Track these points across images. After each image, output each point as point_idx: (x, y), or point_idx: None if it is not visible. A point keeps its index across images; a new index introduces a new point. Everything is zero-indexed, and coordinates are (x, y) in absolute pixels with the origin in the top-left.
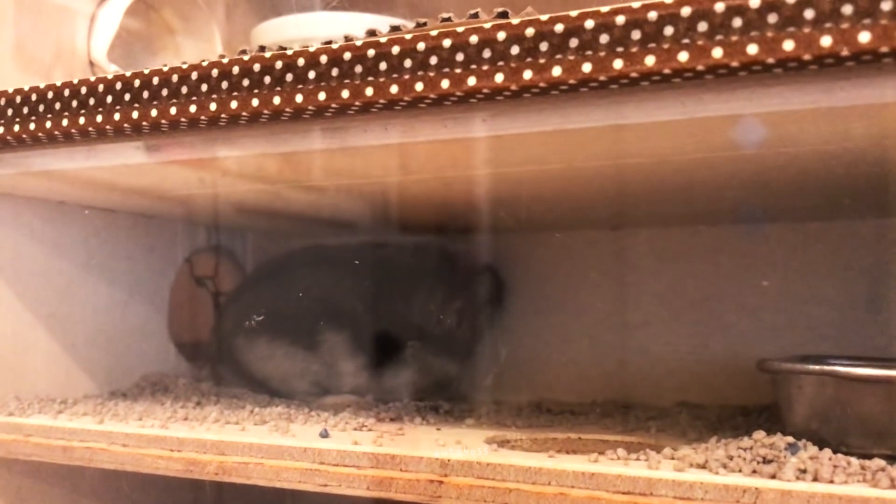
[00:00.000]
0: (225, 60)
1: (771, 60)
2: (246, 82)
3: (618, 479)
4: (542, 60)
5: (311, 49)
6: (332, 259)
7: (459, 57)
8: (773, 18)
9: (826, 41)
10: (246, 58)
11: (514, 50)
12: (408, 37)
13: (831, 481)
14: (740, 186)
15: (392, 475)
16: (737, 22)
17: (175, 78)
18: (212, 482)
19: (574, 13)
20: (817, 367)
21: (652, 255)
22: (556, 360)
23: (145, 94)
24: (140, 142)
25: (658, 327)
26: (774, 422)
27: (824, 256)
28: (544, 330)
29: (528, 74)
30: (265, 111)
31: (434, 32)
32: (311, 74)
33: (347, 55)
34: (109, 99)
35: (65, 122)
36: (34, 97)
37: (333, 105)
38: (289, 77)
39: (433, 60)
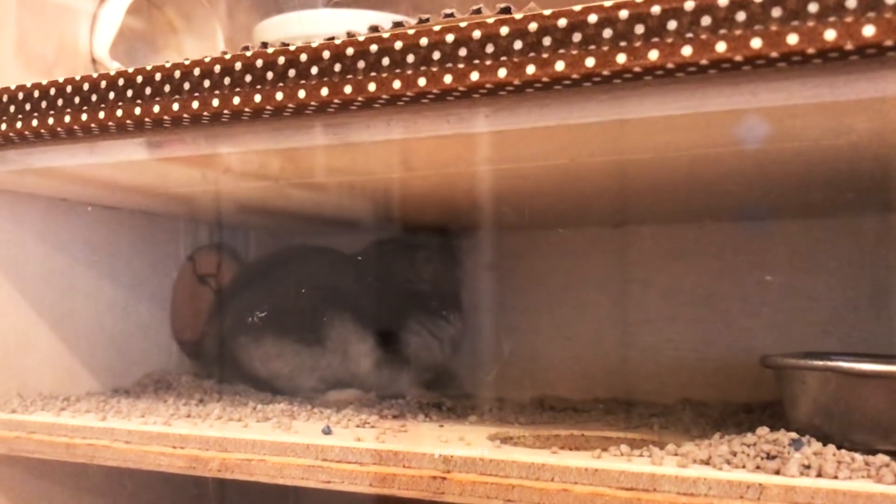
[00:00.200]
0: (228, 56)
1: (775, 54)
2: (248, 78)
3: (621, 475)
4: (545, 55)
5: (314, 45)
6: (317, 255)
7: (462, 52)
8: (776, 12)
9: (830, 35)
10: (248, 54)
11: (517, 45)
12: (410, 32)
13: (835, 477)
14: (743, 182)
15: (395, 472)
16: (740, 16)
17: (177, 74)
18: (214, 479)
19: (577, 8)
20: (821, 363)
21: (655, 252)
22: (559, 357)
23: (147, 91)
24: (142, 138)
25: (661, 324)
26: (778, 418)
27: (828, 253)
28: (547, 327)
29: (531, 69)
30: (268, 107)
31: (437, 28)
32: (314, 70)
33: (350, 50)
34: (112, 95)
35: (67, 119)
36: (37, 94)
37: (336, 100)
38: (291, 72)
39: (436, 55)
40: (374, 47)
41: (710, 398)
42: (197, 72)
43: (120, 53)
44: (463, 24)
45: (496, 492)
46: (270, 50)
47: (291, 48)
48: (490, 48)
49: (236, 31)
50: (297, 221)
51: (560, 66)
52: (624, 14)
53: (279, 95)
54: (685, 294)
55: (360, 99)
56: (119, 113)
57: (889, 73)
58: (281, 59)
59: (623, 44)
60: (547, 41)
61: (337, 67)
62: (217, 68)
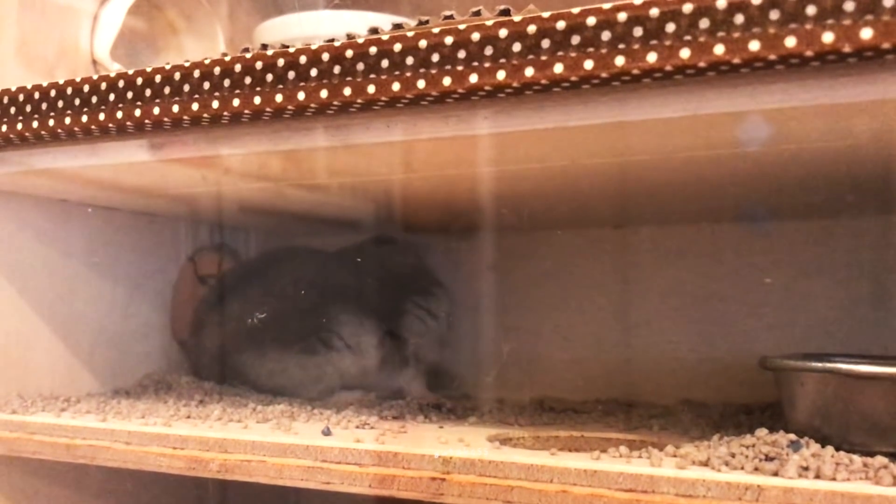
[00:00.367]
0: (227, 58)
1: (773, 57)
2: (248, 80)
3: (620, 476)
4: (543, 57)
5: (313, 47)
6: (302, 256)
7: (461, 54)
8: (774, 15)
9: (828, 37)
10: (248, 56)
11: (516, 47)
12: (410, 34)
13: (833, 479)
14: (743, 184)
15: (394, 473)
16: (738, 18)
17: (178, 76)
18: (214, 480)
19: (576, 10)
20: (819, 365)
21: (654, 253)
22: (559, 358)
23: (148, 92)
24: (143, 140)
25: (660, 325)
26: (777, 420)
27: (827, 254)
28: (547, 328)
29: (529, 71)
30: (267, 109)
31: (436, 30)
32: (314, 72)
33: (350, 53)
34: (112, 97)
35: (68, 121)
36: (37, 95)
37: (336, 102)
38: (291, 75)
39: (435, 58)
40: (373, 49)
41: (709, 399)
42: (197, 74)
43: (121, 54)
44: (462, 27)
45: (495, 493)
46: (270, 52)
47: (291, 50)
48: (489, 50)
49: (237, 33)
50: (298, 222)
51: (559, 68)
52: (622, 17)
53: (279, 97)
54: (685, 295)
55: (359, 101)
56: (119, 114)
57: (887, 75)
58: (280, 61)
59: (622, 46)
60: (546, 43)
61: (336, 69)
62: (217, 70)
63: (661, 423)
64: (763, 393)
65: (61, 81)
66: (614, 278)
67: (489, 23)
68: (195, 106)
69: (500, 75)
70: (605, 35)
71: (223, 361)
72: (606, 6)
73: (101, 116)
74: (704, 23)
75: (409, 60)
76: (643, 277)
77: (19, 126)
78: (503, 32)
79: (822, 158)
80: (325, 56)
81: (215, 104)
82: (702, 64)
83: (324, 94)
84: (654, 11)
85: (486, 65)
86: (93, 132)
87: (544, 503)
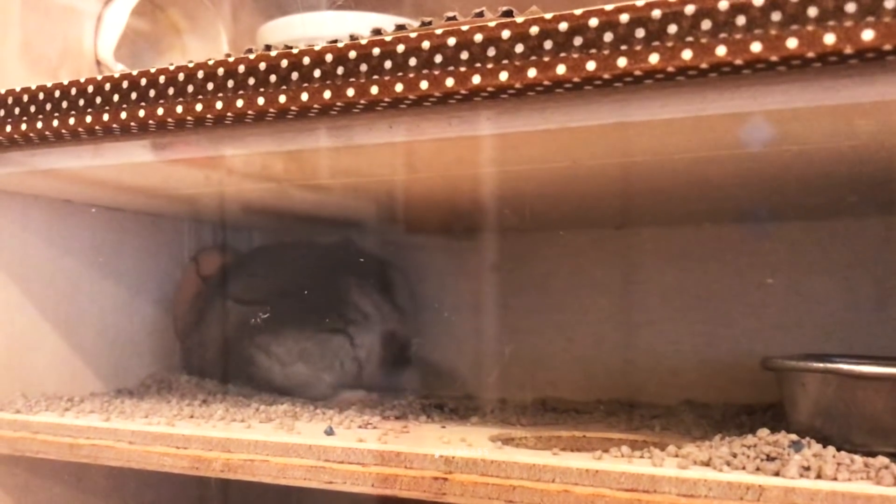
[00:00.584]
0: (231, 59)
1: (774, 58)
2: (252, 81)
3: (622, 476)
4: (546, 59)
5: (317, 48)
6: (295, 247)
7: (464, 55)
8: (776, 16)
9: (829, 39)
10: (251, 56)
11: (519, 48)
12: (413, 35)
13: (835, 479)
14: (745, 185)
15: (397, 472)
16: (740, 20)
17: (181, 77)
18: (217, 479)
19: (578, 11)
20: (821, 365)
21: (656, 254)
22: (561, 359)
23: (152, 93)
24: (146, 140)
25: (662, 326)
26: (779, 420)
27: (829, 255)
28: (549, 328)
29: (532, 73)
30: (271, 110)
31: (439, 31)
32: (317, 73)
33: (353, 54)
34: (116, 97)
35: (72, 121)
36: (41, 96)
37: (339, 103)
38: (294, 76)
39: (438, 59)
40: (376, 50)
41: (711, 399)
42: (200, 74)
43: (124, 55)
44: (465, 28)
45: (497, 493)
46: (273, 53)
47: (294, 51)
48: (492, 51)
49: (240, 33)
50: (300, 223)
51: (561, 69)
52: (625, 18)
53: (282, 98)
54: (687, 296)
55: (362, 101)
56: (123, 115)
57: (889, 76)
58: (284, 62)
59: (624, 47)
60: (548, 45)
61: (340, 70)
62: (220, 71)
63: (663, 424)
64: (765, 393)
65: (65, 82)
66: (616, 279)
67: (492, 24)
68: (199, 106)
69: (503, 76)
70: (608, 36)
71: (224, 358)
72: (609, 7)
73: (105, 117)
74: (706, 24)
75: (412, 61)
76: (645, 278)
77: (23, 126)
78: (506, 33)
79: (823, 159)
80: (329, 57)
81: (219, 105)
82: (704, 65)
83: (327, 94)
84: (657, 13)
85: (489, 66)
86: (97, 133)
87: (546, 503)
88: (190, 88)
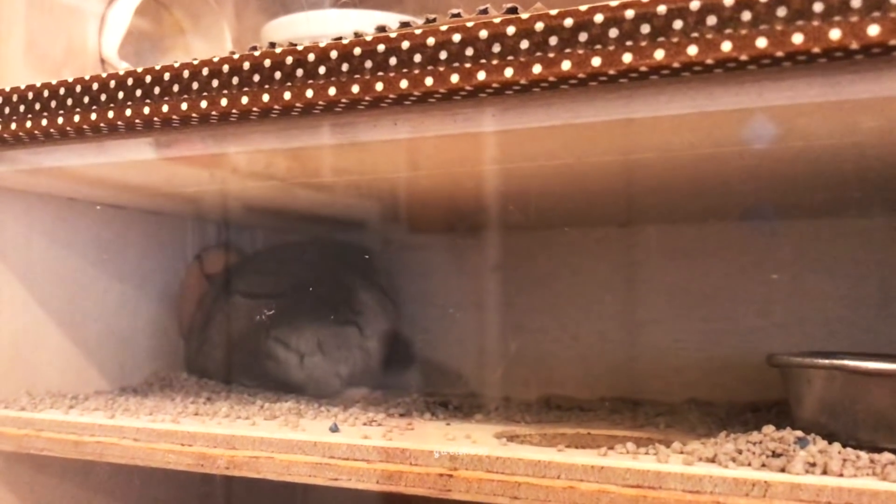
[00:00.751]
0: (236, 56)
1: (780, 54)
2: (256, 78)
3: (627, 472)
4: (551, 55)
5: (322, 44)
6: (308, 245)
7: (469, 52)
8: (782, 12)
9: (835, 34)
10: (256, 54)
11: (524, 44)
12: (417, 32)
13: (841, 475)
14: (749, 181)
15: (402, 469)
16: (746, 15)
17: (186, 74)
18: (222, 476)
19: (583, 7)
20: (826, 362)
21: (660, 252)
22: (565, 357)
23: (156, 90)
24: (151, 138)
25: (667, 324)
26: (784, 417)
27: (834, 252)
28: (553, 326)
29: (537, 69)
30: (275, 106)
31: (444, 27)
32: (322, 70)
33: (357, 50)
34: (120, 95)
35: (76, 119)
36: (46, 93)
37: (343, 100)
38: (299, 72)
39: (443, 55)
40: (381, 47)
41: (716, 397)
42: (206, 71)
43: (128, 54)
44: (470, 24)
45: (502, 489)
46: (279, 49)
47: (299, 48)
48: (497, 48)
49: (244, 32)
50: (305, 221)
51: (566, 65)
52: (630, 14)
53: (287, 95)
54: (691, 293)
55: (367, 98)
56: (128, 112)
57: (894, 72)
58: (289, 59)
59: (629, 43)
60: (553, 41)
61: (345, 67)
62: (225, 68)
63: (668, 421)
64: (769, 391)
65: (70, 79)
66: (620, 276)
67: (497, 20)
68: (204, 104)
69: (508, 72)
70: (613, 32)
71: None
72: (614, 3)
73: (111, 114)
74: (712, 20)
75: (417, 58)
76: (649, 276)
77: (28, 124)
78: (511, 30)
79: (829, 156)
80: (334, 54)
81: (224, 102)
82: (709, 61)
83: (332, 91)
84: (662, 8)
85: (494, 62)
86: (102, 130)
87: (551, 499)
88: (195, 85)
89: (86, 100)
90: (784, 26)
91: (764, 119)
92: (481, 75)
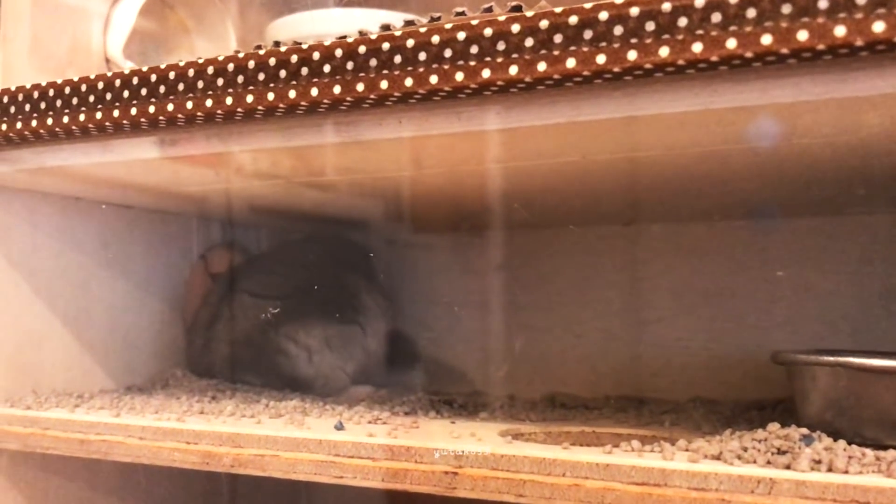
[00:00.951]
0: (241, 55)
1: (785, 51)
2: (262, 76)
3: (632, 470)
4: (556, 52)
5: (327, 43)
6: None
7: (474, 49)
8: (787, 9)
9: (840, 31)
10: (261, 52)
11: (529, 42)
12: (422, 30)
13: (846, 472)
14: (754, 179)
15: (407, 467)
16: (751, 12)
17: (191, 73)
18: (227, 474)
19: (588, 5)
20: (831, 359)
21: (665, 250)
22: (570, 355)
23: (161, 89)
24: (156, 136)
25: (671, 322)
26: (789, 415)
27: (839, 250)
28: (557, 325)
29: (542, 66)
30: (281, 105)
31: (448, 25)
32: (327, 68)
33: (362, 49)
34: (126, 94)
35: (81, 118)
36: (52, 92)
37: (348, 98)
38: (304, 71)
39: (448, 53)
40: (386, 45)
41: (721, 395)
42: (211, 70)
43: (133, 53)
44: (474, 22)
45: (507, 487)
46: (283, 48)
47: (304, 46)
48: (501, 46)
49: (248, 31)
50: (309, 219)
51: (571, 63)
52: (635, 11)
53: (292, 93)
54: (696, 291)
55: (372, 97)
56: (133, 111)
57: None
58: (294, 58)
59: (634, 41)
60: (558, 38)
61: (349, 65)
62: (230, 67)
63: (673, 419)
64: (774, 389)
65: (75, 78)
66: (625, 275)
67: (501, 18)
68: (209, 102)
69: (513, 70)
70: (618, 29)
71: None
72: (619, 1)
73: (116, 113)
74: (716, 17)
75: (422, 56)
76: (654, 274)
77: (34, 123)
78: (515, 27)
79: (834, 153)
80: (339, 52)
81: (229, 100)
82: (714, 58)
83: (337, 89)
84: (667, 6)
85: (499, 60)
86: (107, 129)
87: (557, 497)
88: (200, 84)
89: (91, 99)
90: (789, 23)
91: (768, 116)
92: (486, 73)
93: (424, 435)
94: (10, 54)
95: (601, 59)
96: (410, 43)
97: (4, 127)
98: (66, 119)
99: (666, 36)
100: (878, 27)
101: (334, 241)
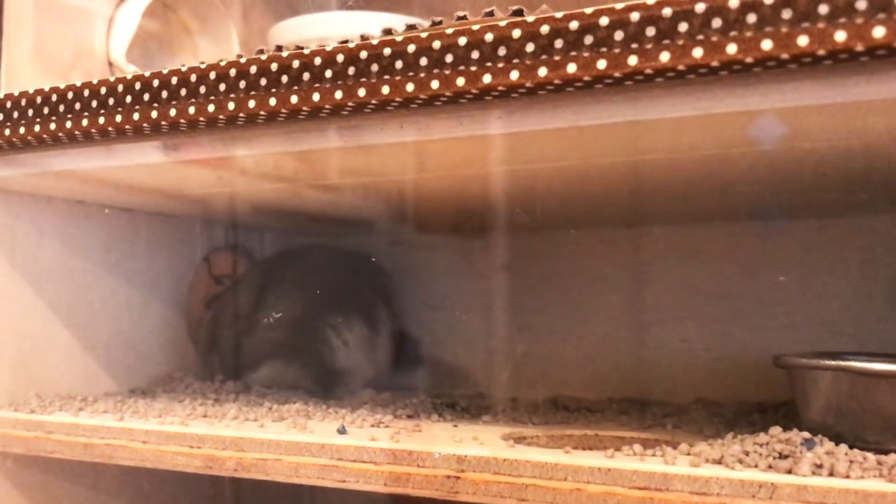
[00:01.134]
0: (243, 60)
1: (785, 56)
2: (263, 81)
3: (634, 474)
4: (557, 58)
5: (328, 48)
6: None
7: (475, 55)
8: (787, 14)
9: (840, 36)
10: (263, 57)
11: (530, 47)
12: (423, 35)
13: (847, 476)
14: (756, 182)
15: (409, 471)
16: (751, 18)
17: (193, 78)
18: (230, 478)
19: (589, 10)
20: (833, 363)
21: (667, 252)
22: (572, 357)
23: (164, 94)
24: (159, 141)
25: (674, 324)
26: (791, 418)
27: (841, 252)
28: (560, 327)
29: (543, 72)
30: (283, 110)
31: (449, 30)
32: (328, 73)
33: (364, 54)
34: (128, 99)
35: (84, 122)
36: (54, 97)
37: (350, 104)
38: (306, 76)
39: (449, 58)
40: (387, 50)
41: (723, 398)
42: (213, 75)
43: (136, 56)
44: (475, 27)
45: (509, 491)
46: (285, 53)
47: (306, 51)
48: (502, 51)
49: (251, 34)
50: (312, 222)
51: (572, 68)
52: (635, 16)
53: (294, 98)
54: (698, 294)
55: (373, 102)
56: (136, 116)
57: None
58: (296, 63)
59: (634, 46)
60: (559, 44)
61: (351, 70)
62: (233, 72)
63: (675, 422)
64: (777, 391)
65: (78, 83)
66: (627, 277)
67: (502, 23)
68: (211, 107)
69: (514, 75)
70: (618, 35)
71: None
72: (619, 6)
73: (118, 118)
74: (717, 22)
75: (423, 61)
76: (656, 276)
77: (37, 128)
78: (516, 33)
79: (835, 157)
80: (340, 57)
81: (231, 105)
82: (714, 63)
83: (338, 94)
84: (667, 11)
85: (500, 65)
86: (109, 134)
87: (558, 501)
88: (202, 89)
89: (94, 104)
90: (789, 28)
91: (769, 121)
92: (487, 78)
93: (427, 439)
94: (14, 58)
95: (602, 64)
96: (412, 48)
97: (8, 132)
98: (69, 124)
99: (666, 41)
100: (879, 32)
101: (349, 253)
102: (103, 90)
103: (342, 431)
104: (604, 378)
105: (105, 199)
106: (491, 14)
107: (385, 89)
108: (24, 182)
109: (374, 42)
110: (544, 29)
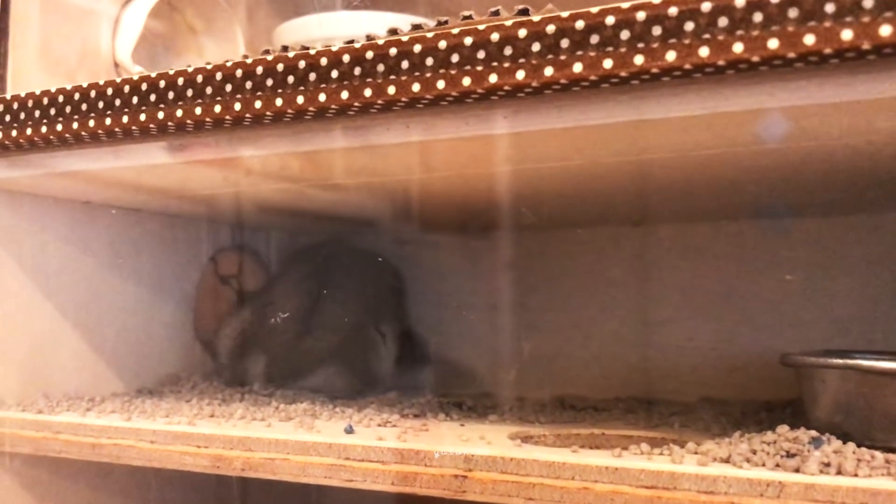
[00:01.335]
0: (249, 60)
1: (792, 55)
2: (270, 82)
3: (641, 473)
4: (563, 57)
5: (334, 48)
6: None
7: (481, 55)
8: (793, 13)
9: (847, 35)
10: (269, 58)
11: (535, 47)
12: (429, 35)
13: (855, 475)
14: (762, 181)
15: (416, 470)
16: (757, 17)
17: (199, 78)
18: (238, 478)
19: (595, 10)
20: (840, 361)
21: (674, 251)
22: (579, 357)
23: (170, 95)
24: (165, 142)
25: (681, 323)
26: (798, 416)
27: (848, 250)
28: (567, 326)
29: (549, 71)
30: (289, 110)
31: (455, 30)
32: (334, 74)
33: (370, 54)
34: (135, 100)
35: (91, 123)
36: (61, 98)
37: (356, 104)
38: (312, 76)
39: (455, 58)
40: (393, 50)
41: (730, 397)
42: (219, 76)
43: (141, 56)
44: (481, 27)
45: (517, 490)
46: (291, 54)
47: (312, 52)
48: (508, 50)
49: (256, 34)
50: (318, 222)
51: (578, 67)
52: (641, 16)
53: (300, 99)
54: (705, 293)
55: (379, 102)
56: (143, 117)
57: None
58: (301, 63)
59: (641, 45)
60: (565, 43)
61: (357, 71)
62: (238, 72)
63: (682, 421)
64: (784, 390)
65: (84, 85)
66: (634, 276)
67: (508, 23)
68: (218, 108)
69: (520, 75)
70: (625, 34)
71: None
72: (625, 5)
73: (125, 119)
74: (723, 21)
75: (429, 61)
76: (663, 275)
77: (43, 129)
78: (522, 32)
79: (841, 155)
80: (346, 58)
81: (237, 106)
82: (721, 62)
83: (344, 95)
84: (673, 10)
85: (506, 65)
86: (116, 134)
87: (566, 500)
88: (208, 90)
89: (100, 105)
90: (796, 27)
91: (775, 119)
92: (493, 78)
93: (434, 438)
94: (20, 60)
95: (608, 63)
96: (417, 48)
97: (15, 133)
98: (75, 125)
99: (673, 40)
100: (886, 31)
101: (371, 254)
102: (109, 91)
103: (349, 431)
104: (610, 377)
105: (112, 199)
106: (497, 13)
107: (391, 89)
108: (31, 183)
109: (380, 42)
110: (550, 28)
